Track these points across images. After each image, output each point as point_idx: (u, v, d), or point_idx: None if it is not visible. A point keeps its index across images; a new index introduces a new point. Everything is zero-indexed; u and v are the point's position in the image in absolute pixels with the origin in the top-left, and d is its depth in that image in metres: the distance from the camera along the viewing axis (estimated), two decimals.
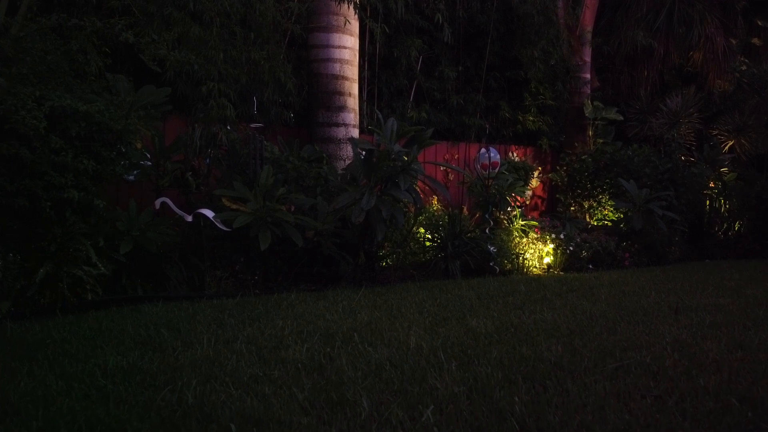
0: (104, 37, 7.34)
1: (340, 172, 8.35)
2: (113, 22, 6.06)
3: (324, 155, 8.70)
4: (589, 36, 12.60)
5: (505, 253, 8.08)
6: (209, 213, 6.32)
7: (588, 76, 12.70)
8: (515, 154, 12.16)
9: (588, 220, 11.17)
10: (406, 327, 4.58)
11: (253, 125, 7.63)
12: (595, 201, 11.21)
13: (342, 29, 8.92)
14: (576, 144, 12.27)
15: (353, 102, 9.30)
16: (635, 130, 13.49)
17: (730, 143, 13.13)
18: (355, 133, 9.30)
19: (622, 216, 10.24)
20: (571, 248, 8.56)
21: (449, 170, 11.50)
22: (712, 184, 12.30)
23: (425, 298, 5.85)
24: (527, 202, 11.84)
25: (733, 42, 13.63)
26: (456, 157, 11.61)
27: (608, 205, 11.02)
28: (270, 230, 6.47)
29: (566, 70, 12.44)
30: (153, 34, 6.04)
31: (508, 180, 8.60)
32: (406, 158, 7.25)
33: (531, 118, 12.51)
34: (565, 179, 11.98)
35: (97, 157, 5.73)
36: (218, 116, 7.05)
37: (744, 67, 13.18)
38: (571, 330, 4.55)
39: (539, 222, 8.99)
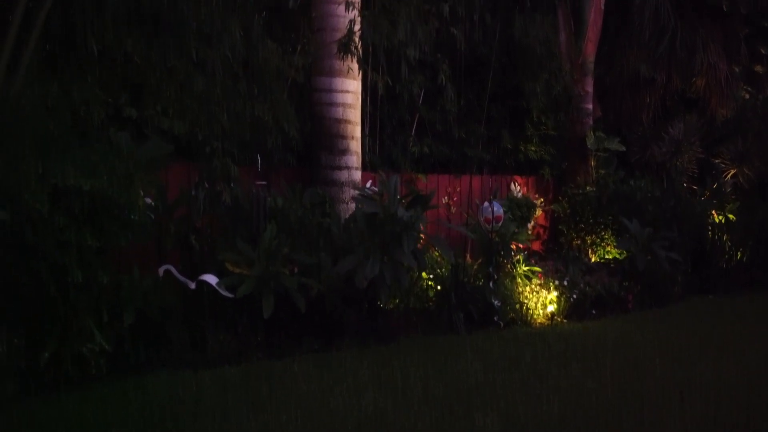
0: (107, 86, 7.33)
1: (342, 220, 8.32)
2: (116, 93, 6.03)
3: (327, 198, 8.70)
4: (591, 66, 12.55)
5: (508, 303, 8.08)
6: (212, 279, 6.33)
7: (590, 106, 12.66)
8: (517, 185, 12.13)
9: (591, 255, 11.16)
10: (411, 422, 4.58)
11: (257, 183, 7.62)
12: (598, 237, 11.19)
13: (345, 74, 8.87)
14: (578, 177, 12.24)
15: (356, 145, 9.28)
16: (637, 156, 13.47)
17: (733, 171, 13.11)
18: (357, 175, 9.29)
19: (625, 254, 10.22)
20: (574, 296, 8.57)
21: (451, 203, 11.50)
22: (714, 214, 12.27)
23: (430, 373, 5.84)
24: (530, 232, 11.81)
25: (736, 69, 13.59)
26: (458, 189, 11.60)
27: (611, 241, 11.01)
28: (273, 294, 6.47)
29: (568, 100, 12.39)
30: (156, 106, 6.01)
31: (511, 229, 8.59)
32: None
33: (533, 147, 12.48)
34: (567, 211, 11.95)
35: (101, 230, 5.71)
36: (222, 175, 7.04)
37: (747, 96, 13.16)
38: (578, 426, 4.54)
39: (542, 267, 8.96)
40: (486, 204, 8.05)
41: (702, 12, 13.35)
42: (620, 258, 10.39)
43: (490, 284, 7.86)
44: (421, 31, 7.98)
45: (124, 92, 6.28)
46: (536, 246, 12.48)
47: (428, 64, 11.24)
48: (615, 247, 10.60)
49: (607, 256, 11.04)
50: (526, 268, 8.74)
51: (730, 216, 12.36)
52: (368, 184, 9.78)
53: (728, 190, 13.02)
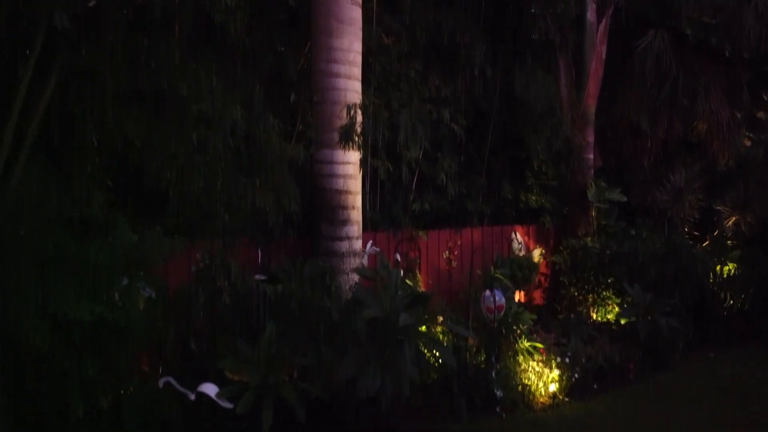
0: (107, 169, 7.28)
1: (344, 295, 8.29)
2: (115, 214, 6.00)
3: (328, 269, 8.65)
4: (592, 117, 12.51)
5: (510, 385, 8.07)
6: (212, 390, 6.32)
7: (591, 156, 12.61)
8: (518, 235, 12.10)
9: (592, 313, 11.16)
10: None
11: (257, 277, 7.57)
12: (599, 297, 11.19)
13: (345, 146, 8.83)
14: (579, 230, 12.22)
15: (356, 214, 9.24)
16: (638, 200, 13.46)
17: (734, 218, 13.08)
18: (358, 245, 9.25)
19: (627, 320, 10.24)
20: (576, 375, 8.55)
21: (452, 257, 11.46)
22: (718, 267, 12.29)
23: None
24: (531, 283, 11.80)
25: (738, 115, 13.52)
26: (459, 243, 11.56)
27: (612, 300, 11.02)
28: (272, 406, 6.45)
29: (569, 151, 12.34)
30: (156, 225, 5.98)
31: (513, 309, 8.56)
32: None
33: (534, 197, 12.46)
34: (568, 262, 11.94)
35: (101, 352, 5.68)
36: (222, 271, 7.01)
37: (749, 143, 13.13)
38: None
39: (544, 341, 8.92)
40: (488, 293, 8.01)
41: (704, 57, 13.27)
42: (623, 325, 10.38)
43: (493, 373, 7.82)
44: (422, 129, 7.94)
45: (124, 215, 6.21)
46: (537, 295, 12.51)
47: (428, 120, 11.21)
48: (618, 315, 10.60)
49: (608, 316, 11.04)
50: (528, 344, 8.71)
51: (731, 265, 12.37)
52: (369, 245, 9.77)
53: (729, 234, 13.05)
